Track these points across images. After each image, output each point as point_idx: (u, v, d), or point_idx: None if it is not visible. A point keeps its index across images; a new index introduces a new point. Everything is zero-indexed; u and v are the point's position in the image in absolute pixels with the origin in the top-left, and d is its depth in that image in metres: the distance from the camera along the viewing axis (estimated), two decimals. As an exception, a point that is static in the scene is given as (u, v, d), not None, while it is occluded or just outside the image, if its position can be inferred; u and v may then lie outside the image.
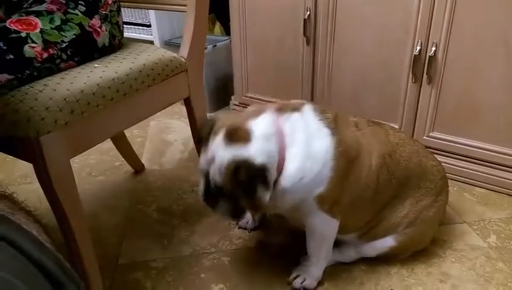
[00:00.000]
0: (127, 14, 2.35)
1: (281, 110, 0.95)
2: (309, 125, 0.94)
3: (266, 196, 0.87)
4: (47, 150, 0.79)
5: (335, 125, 0.96)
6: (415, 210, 1.08)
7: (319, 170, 0.92)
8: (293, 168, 0.91)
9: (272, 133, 0.90)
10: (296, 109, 0.96)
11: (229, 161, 0.86)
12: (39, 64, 0.84)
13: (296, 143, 0.91)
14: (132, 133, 1.88)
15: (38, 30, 0.85)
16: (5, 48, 0.79)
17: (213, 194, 0.92)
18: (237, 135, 0.87)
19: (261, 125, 0.90)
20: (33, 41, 0.83)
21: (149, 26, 2.31)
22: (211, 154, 0.89)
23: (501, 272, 1.11)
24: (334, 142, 0.94)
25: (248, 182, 0.86)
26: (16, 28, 0.82)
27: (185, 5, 1.14)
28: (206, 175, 0.91)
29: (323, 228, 1.03)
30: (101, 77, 0.90)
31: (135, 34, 2.36)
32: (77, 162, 1.64)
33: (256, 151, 0.86)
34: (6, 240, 0.25)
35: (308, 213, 1.00)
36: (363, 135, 1.00)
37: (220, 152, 0.87)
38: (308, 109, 0.97)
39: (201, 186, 0.95)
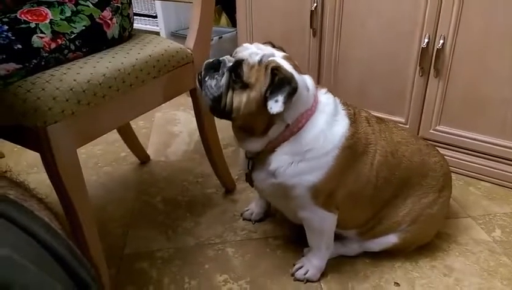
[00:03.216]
0: (133, 5, 2.34)
1: (319, 87, 1.02)
2: (337, 109, 0.98)
3: (277, 108, 0.86)
4: (54, 139, 0.80)
5: (354, 119, 0.99)
6: (418, 208, 1.07)
7: (325, 152, 0.94)
8: (309, 135, 0.94)
9: (312, 92, 0.96)
10: (330, 92, 1.02)
11: (279, 63, 0.90)
12: (47, 54, 0.85)
13: (323, 116, 0.95)
14: (138, 125, 1.88)
15: (47, 21, 0.86)
16: (13, 38, 0.80)
17: (218, 71, 0.93)
18: (294, 64, 0.95)
19: (307, 79, 0.96)
20: (42, 32, 0.84)
21: (155, 17, 2.31)
22: (265, 51, 0.93)
23: (505, 266, 1.11)
24: (349, 133, 0.96)
25: (279, 83, 0.87)
26: (25, 19, 0.83)
27: (191, -4, 1.13)
28: (238, 60, 0.91)
29: (320, 222, 1.03)
30: (107, 68, 0.90)
31: (141, 25, 2.36)
32: (83, 153, 1.64)
33: (301, 82, 0.91)
34: (19, 226, 0.25)
35: (303, 208, 1.01)
36: (373, 133, 1.01)
37: (278, 59, 0.92)
38: (337, 98, 1.03)
39: (211, 61, 0.96)
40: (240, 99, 0.91)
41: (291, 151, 0.94)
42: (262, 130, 0.94)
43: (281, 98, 0.85)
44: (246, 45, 0.96)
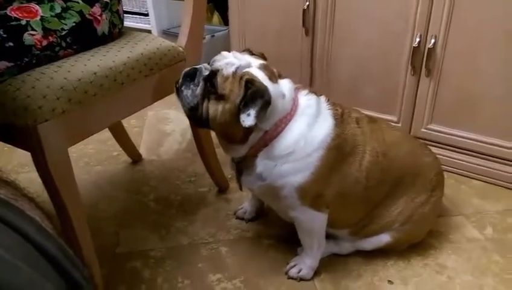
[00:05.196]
0: (124, 3, 2.32)
1: (300, 88, 1.01)
2: (320, 110, 0.97)
3: (249, 121, 0.86)
4: (45, 138, 0.79)
5: (340, 120, 0.98)
6: (410, 208, 1.08)
7: (308, 154, 0.93)
8: (288, 139, 0.93)
9: (290, 97, 0.95)
10: (314, 93, 1.01)
11: (253, 75, 0.89)
12: (38, 52, 0.84)
13: (303, 118, 0.94)
14: (130, 123, 1.87)
15: (38, 18, 0.85)
16: (4, 35, 0.79)
17: (194, 80, 0.93)
18: (271, 73, 0.94)
19: (284, 85, 0.96)
20: (33, 29, 0.83)
21: (147, 15, 2.29)
22: (242, 61, 0.92)
23: (497, 264, 1.12)
24: (334, 133, 0.95)
25: (251, 97, 0.87)
26: (16, 16, 0.82)
27: (183, -6, 1.13)
28: (214, 70, 0.91)
29: (309, 222, 1.03)
30: (98, 66, 0.89)
31: (133, 23, 2.35)
32: (75, 152, 1.63)
33: (275, 93, 0.90)
34: (10, 225, 0.25)
35: (292, 208, 1.01)
36: (362, 133, 1.01)
37: (253, 70, 0.91)
38: (323, 98, 1.01)
39: (188, 70, 0.95)
40: (215, 110, 0.91)
41: (272, 156, 0.94)
42: (241, 138, 0.94)
43: (252, 112, 0.86)
44: (224, 53, 0.96)
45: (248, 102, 0.86)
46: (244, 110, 0.87)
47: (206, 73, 0.92)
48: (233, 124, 0.90)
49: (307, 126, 0.94)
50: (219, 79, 0.89)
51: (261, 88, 0.88)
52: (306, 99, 0.98)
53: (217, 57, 0.95)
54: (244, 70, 0.90)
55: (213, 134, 1.30)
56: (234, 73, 0.90)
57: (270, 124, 0.93)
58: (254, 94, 0.87)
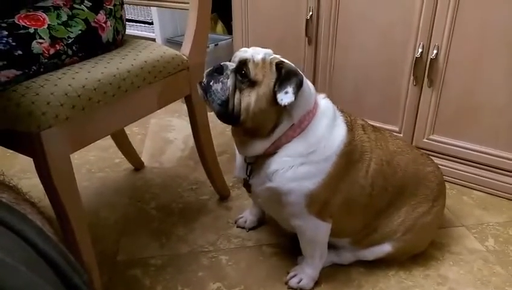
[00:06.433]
0: (129, 11, 2.34)
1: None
2: (336, 114, 0.99)
3: (287, 98, 0.87)
4: (47, 144, 0.79)
5: (350, 126, 0.99)
6: (412, 217, 1.07)
7: (326, 157, 0.94)
8: (311, 137, 0.94)
9: (313, 92, 0.98)
10: (327, 97, 1.03)
11: (282, 59, 0.95)
12: (46, 60, 0.85)
13: (324, 119, 0.96)
14: (132, 131, 1.87)
15: (45, 26, 0.85)
16: (13, 43, 0.79)
17: (222, 73, 0.93)
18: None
19: (307, 82, 0.98)
20: (41, 37, 0.84)
21: (151, 23, 2.31)
22: (265, 50, 0.95)
23: (498, 275, 1.12)
24: (347, 140, 0.97)
25: (286, 75, 0.89)
26: (24, 24, 0.82)
27: (187, 3, 1.14)
28: (242, 60, 0.92)
29: (314, 231, 1.03)
30: (102, 73, 0.90)
31: (137, 32, 2.36)
32: (77, 159, 1.63)
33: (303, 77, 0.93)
34: (12, 229, 0.25)
35: (296, 216, 1.00)
36: (369, 140, 1.01)
37: (278, 57, 0.95)
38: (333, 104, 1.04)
39: (213, 67, 0.95)
40: (248, 99, 0.90)
41: (294, 153, 0.94)
42: (270, 129, 0.94)
43: (290, 89, 0.87)
44: (243, 48, 0.97)
45: (283, 81, 0.89)
46: (280, 89, 0.88)
47: (234, 66, 0.93)
48: (266, 112, 0.91)
49: (328, 128, 0.96)
50: (250, 66, 0.91)
51: (292, 68, 0.91)
52: (325, 102, 1.00)
53: (238, 53, 0.97)
54: (272, 57, 0.94)
55: (215, 141, 1.31)
56: (263, 59, 0.92)
57: (299, 114, 0.94)
58: (288, 73, 0.90)
